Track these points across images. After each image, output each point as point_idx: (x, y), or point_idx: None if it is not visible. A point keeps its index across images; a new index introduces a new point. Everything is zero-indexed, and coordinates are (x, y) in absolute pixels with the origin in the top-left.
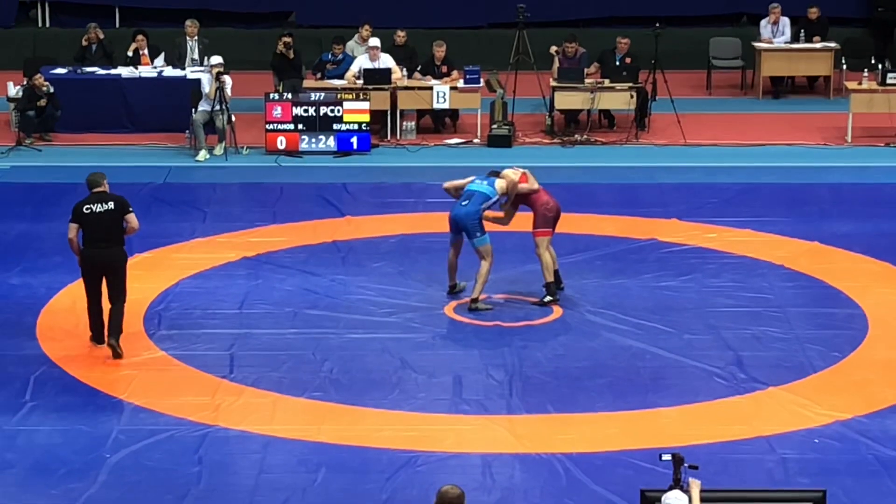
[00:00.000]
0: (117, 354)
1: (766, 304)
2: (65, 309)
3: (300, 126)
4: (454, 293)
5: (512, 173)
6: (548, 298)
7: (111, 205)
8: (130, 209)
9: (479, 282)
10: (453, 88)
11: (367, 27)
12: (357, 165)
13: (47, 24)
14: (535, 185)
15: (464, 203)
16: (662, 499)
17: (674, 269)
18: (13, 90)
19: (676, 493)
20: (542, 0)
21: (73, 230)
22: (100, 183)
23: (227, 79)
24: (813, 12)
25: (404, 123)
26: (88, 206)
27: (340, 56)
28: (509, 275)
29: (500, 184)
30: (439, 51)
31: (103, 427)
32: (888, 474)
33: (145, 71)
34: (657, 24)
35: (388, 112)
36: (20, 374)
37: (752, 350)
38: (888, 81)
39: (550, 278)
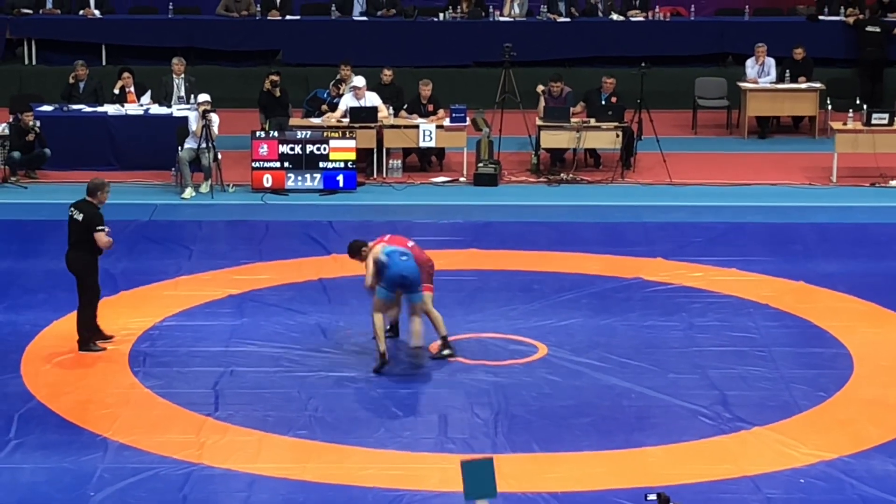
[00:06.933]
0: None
1: (752, 343)
2: (49, 346)
3: (286, 164)
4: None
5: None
6: (447, 351)
7: (81, 217)
8: (98, 227)
9: (419, 334)
10: (439, 127)
11: (346, 66)
12: (343, 203)
13: (33, 62)
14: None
15: (404, 258)
16: None
17: (659, 308)
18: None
19: None
20: (528, 39)
21: None
22: (92, 192)
23: (214, 116)
24: (798, 53)
25: (390, 162)
26: (71, 209)
27: (337, 100)
28: (493, 314)
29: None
30: (425, 89)
31: (87, 465)
32: None
33: (131, 108)
34: (643, 64)
35: (375, 150)
36: (4, 412)
37: (737, 389)
38: (873, 122)
39: (444, 332)
